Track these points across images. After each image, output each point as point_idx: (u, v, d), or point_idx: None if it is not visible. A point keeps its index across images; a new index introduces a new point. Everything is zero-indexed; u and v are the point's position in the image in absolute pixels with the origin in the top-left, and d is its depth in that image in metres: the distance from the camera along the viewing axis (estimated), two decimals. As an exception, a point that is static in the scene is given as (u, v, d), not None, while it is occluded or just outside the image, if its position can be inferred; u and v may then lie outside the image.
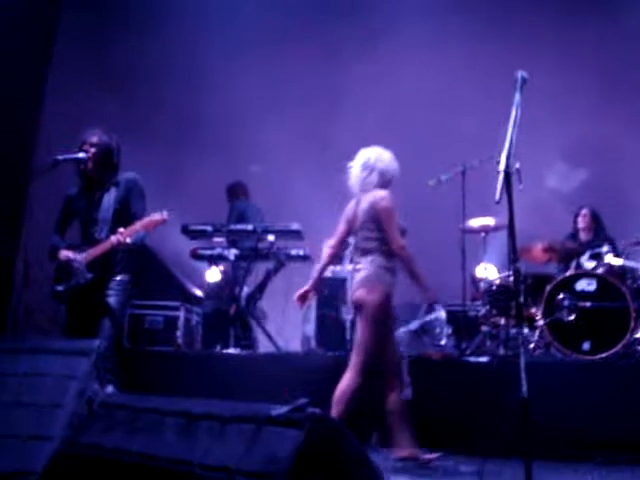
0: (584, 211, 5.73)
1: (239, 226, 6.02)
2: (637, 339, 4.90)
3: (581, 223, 5.79)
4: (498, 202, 2.47)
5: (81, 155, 3.96)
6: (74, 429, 2.12)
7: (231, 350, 5.57)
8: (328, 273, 5.87)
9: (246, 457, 1.64)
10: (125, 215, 3.92)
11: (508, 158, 2.54)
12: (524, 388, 2.41)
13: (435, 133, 7.11)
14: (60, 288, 3.91)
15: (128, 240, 3.75)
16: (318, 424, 1.66)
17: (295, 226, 5.87)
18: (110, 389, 2.23)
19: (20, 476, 2.08)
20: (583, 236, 5.82)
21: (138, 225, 3.76)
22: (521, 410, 2.41)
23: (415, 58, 7.53)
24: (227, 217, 6.65)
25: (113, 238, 3.76)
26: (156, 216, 3.79)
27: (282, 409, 1.71)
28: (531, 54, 6.72)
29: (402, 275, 6.69)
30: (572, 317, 4.59)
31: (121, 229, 3.76)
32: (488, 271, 6.07)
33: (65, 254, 3.92)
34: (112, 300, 3.82)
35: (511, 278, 4.64)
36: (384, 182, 3.87)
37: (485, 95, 6.12)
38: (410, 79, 7.40)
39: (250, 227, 5.92)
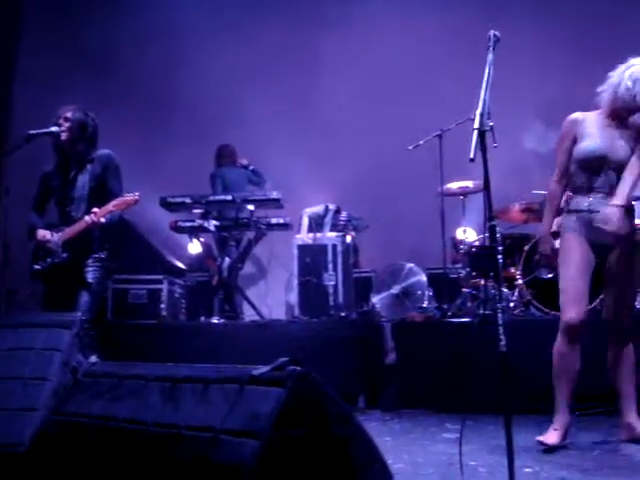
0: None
1: (218, 197, 6.00)
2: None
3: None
4: (472, 160, 2.48)
5: (54, 129, 3.92)
6: (60, 399, 2.14)
7: (215, 320, 5.60)
8: (308, 240, 5.91)
9: (230, 416, 1.67)
10: (101, 193, 3.91)
11: (482, 116, 2.55)
12: (502, 342, 2.45)
13: (412, 97, 7.09)
14: (38, 267, 3.92)
15: (102, 220, 3.77)
16: (300, 382, 1.70)
17: (274, 194, 5.87)
18: (94, 358, 2.24)
19: (9, 447, 2.11)
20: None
21: (111, 205, 3.78)
22: (500, 364, 2.45)
23: (390, 22, 7.48)
24: (210, 185, 6.56)
25: (87, 218, 3.76)
26: (129, 196, 3.82)
27: (264, 369, 1.75)
28: (506, 13, 6.71)
29: (381, 239, 6.80)
30: (550, 275, 4.65)
31: (95, 209, 3.77)
32: (467, 233, 6.13)
33: (42, 233, 3.91)
34: (89, 276, 3.83)
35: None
36: None
37: (461, 57, 6.10)
38: (386, 44, 7.37)
39: (229, 197, 5.91)
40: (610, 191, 3.22)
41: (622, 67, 3.25)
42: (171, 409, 1.79)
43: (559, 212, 3.44)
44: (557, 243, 3.40)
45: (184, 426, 1.71)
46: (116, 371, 2.08)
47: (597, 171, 3.24)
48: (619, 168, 3.22)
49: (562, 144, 3.37)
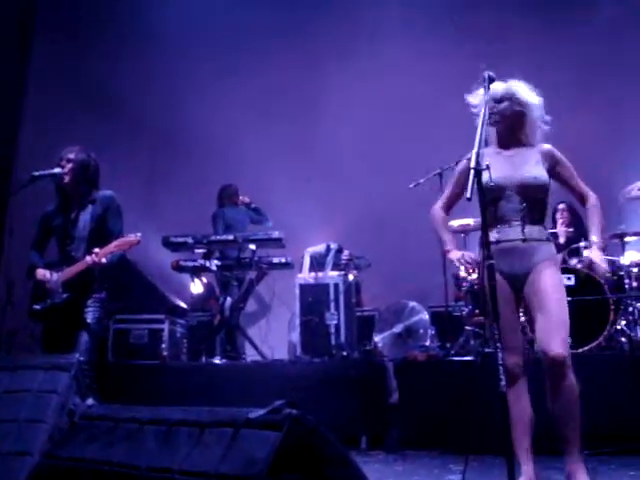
0: (562, 206, 5.76)
1: (219, 237, 6.02)
2: (618, 331, 4.96)
3: (559, 218, 5.83)
4: (469, 199, 2.50)
5: (57, 170, 3.96)
6: (55, 443, 2.11)
7: (217, 360, 5.57)
8: (310, 280, 5.90)
9: (225, 461, 1.64)
10: (102, 233, 3.93)
11: (478, 155, 2.57)
12: (502, 382, 2.43)
13: (413, 135, 7.15)
14: (37, 307, 3.91)
15: (103, 260, 3.77)
16: (295, 425, 1.67)
17: (276, 234, 5.89)
18: (90, 401, 2.22)
19: (1, 492, 2.07)
20: (562, 232, 5.87)
21: (112, 246, 3.80)
22: (500, 405, 2.42)
23: (392, 63, 7.58)
24: (212, 225, 6.57)
25: (88, 258, 3.77)
26: (130, 237, 3.84)
27: (259, 412, 1.73)
28: (506, 55, 6.80)
29: (383, 277, 6.78)
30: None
31: (96, 249, 3.77)
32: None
33: (42, 273, 3.92)
34: (89, 316, 3.82)
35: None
36: None
37: (461, 96, 6.16)
38: (386, 84, 7.46)
39: (231, 237, 5.93)
40: None
41: None
42: (165, 453, 1.77)
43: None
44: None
45: (178, 471, 1.69)
46: (112, 414, 2.06)
47: None
48: None
49: None
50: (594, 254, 3.10)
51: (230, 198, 6.67)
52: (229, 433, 1.71)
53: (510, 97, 3.08)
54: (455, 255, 3.18)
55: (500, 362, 2.48)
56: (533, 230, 3.01)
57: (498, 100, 3.09)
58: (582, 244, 5.27)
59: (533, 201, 3.04)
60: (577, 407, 2.86)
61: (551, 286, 2.95)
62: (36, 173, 4.00)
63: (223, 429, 1.73)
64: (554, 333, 2.85)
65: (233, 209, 6.61)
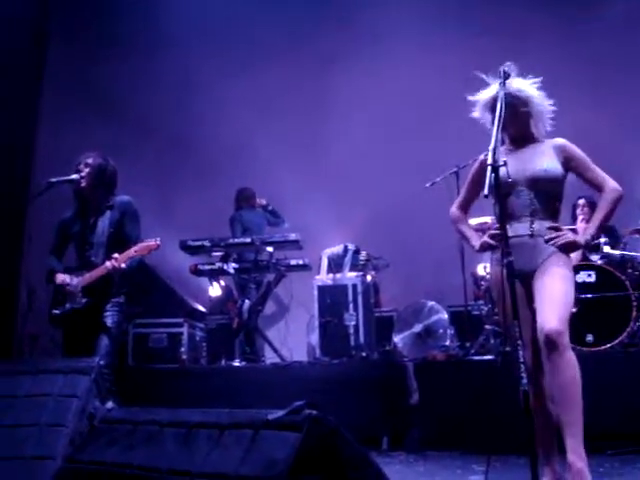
0: (582, 201, 5.68)
1: (237, 239, 6.03)
2: (640, 328, 4.90)
3: (580, 214, 5.75)
4: (487, 196, 2.48)
5: (74, 176, 3.99)
6: (76, 446, 2.12)
7: (236, 363, 5.57)
8: (328, 281, 5.89)
9: (245, 462, 1.64)
10: (120, 238, 3.95)
11: (495, 152, 2.55)
12: (524, 380, 2.41)
13: (428, 133, 7.11)
14: (57, 312, 3.93)
15: (123, 265, 3.80)
16: (315, 426, 1.67)
17: (293, 236, 5.88)
18: (110, 404, 2.23)
19: (24, 496, 2.09)
20: (582, 228, 5.79)
21: (132, 251, 3.82)
22: (522, 403, 2.40)
23: (402, 59, 7.54)
24: (230, 228, 6.57)
25: (108, 264, 3.80)
26: (150, 242, 3.86)
27: (279, 413, 1.72)
28: (520, 50, 6.74)
29: (402, 277, 6.75)
30: (574, 309, 4.58)
31: (116, 255, 3.80)
32: (488, 270, 6.06)
33: (61, 278, 3.94)
34: (108, 320, 3.84)
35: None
36: None
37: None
38: (398, 80, 7.42)
39: (248, 239, 5.94)
40: None
41: None
42: (185, 455, 1.77)
43: None
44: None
45: (197, 473, 1.69)
46: (132, 417, 2.07)
47: None
48: None
49: None
50: (572, 237, 2.94)
51: (247, 201, 6.69)
52: (249, 435, 1.71)
53: (512, 97, 2.97)
54: (480, 243, 3.06)
55: (521, 360, 2.46)
56: (542, 225, 2.94)
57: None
58: (602, 240, 5.21)
59: (545, 195, 2.97)
60: (575, 387, 2.72)
61: (556, 275, 2.85)
62: (53, 179, 4.04)
63: (242, 431, 1.73)
64: (550, 309, 2.75)
65: (250, 212, 6.63)
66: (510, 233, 2.86)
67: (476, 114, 3.10)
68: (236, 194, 6.76)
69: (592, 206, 5.70)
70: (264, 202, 6.70)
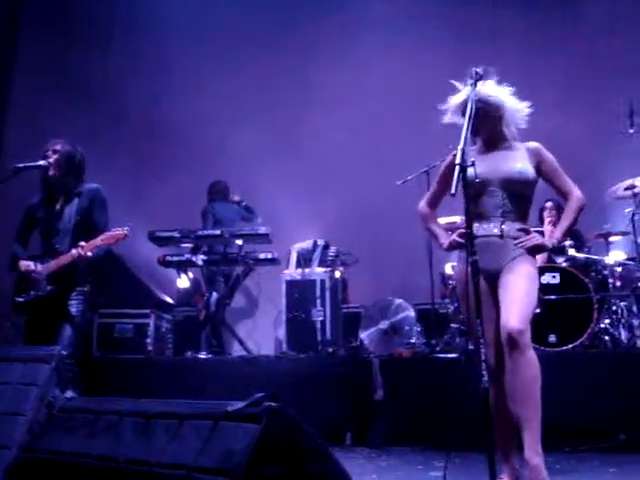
0: (549, 204, 5.75)
1: (206, 231, 6.00)
2: (601, 329, 4.99)
3: (547, 216, 5.83)
4: (453, 195, 2.50)
5: (42, 162, 3.93)
6: (34, 435, 2.10)
7: (202, 355, 5.55)
8: (297, 276, 5.89)
9: (203, 453, 1.64)
10: (87, 226, 3.91)
11: (463, 152, 2.58)
12: (485, 378, 2.44)
13: (401, 132, 7.15)
14: (20, 299, 3.88)
15: (89, 254, 3.76)
16: (275, 418, 1.67)
17: (263, 230, 5.88)
18: (70, 394, 2.20)
19: (-22, 485, 2.06)
20: (549, 230, 5.87)
21: (99, 240, 3.79)
22: (482, 400, 2.43)
23: (382, 57, 7.58)
24: (202, 220, 6.52)
25: (74, 251, 3.75)
26: (117, 231, 3.82)
27: (238, 404, 1.72)
28: (496, 53, 6.82)
29: (370, 274, 6.78)
30: (537, 310, 4.64)
31: (82, 243, 3.76)
32: (456, 268, 6.12)
33: (25, 264, 3.88)
34: (73, 309, 3.80)
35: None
36: None
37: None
38: (376, 78, 7.47)
39: (217, 232, 5.92)
40: None
41: None
42: (144, 445, 1.76)
43: None
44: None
45: (156, 463, 1.68)
46: (91, 406, 2.05)
47: None
48: None
49: None
50: (540, 240, 2.97)
51: (220, 194, 6.64)
52: (208, 425, 1.70)
53: (482, 103, 2.97)
54: (449, 242, 3.07)
55: (483, 358, 2.49)
56: (512, 227, 2.97)
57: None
58: (568, 242, 5.29)
59: (516, 197, 3.00)
60: (535, 386, 2.75)
61: (521, 274, 2.88)
62: (20, 165, 3.97)
63: (202, 422, 1.73)
64: (513, 308, 2.77)
65: (223, 205, 6.57)
66: (479, 232, 2.90)
67: (446, 119, 3.11)
68: (209, 186, 6.71)
69: (559, 209, 5.78)
70: (237, 198, 6.66)
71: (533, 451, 2.70)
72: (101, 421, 1.94)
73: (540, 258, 5.15)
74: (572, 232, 5.62)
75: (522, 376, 2.73)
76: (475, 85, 2.88)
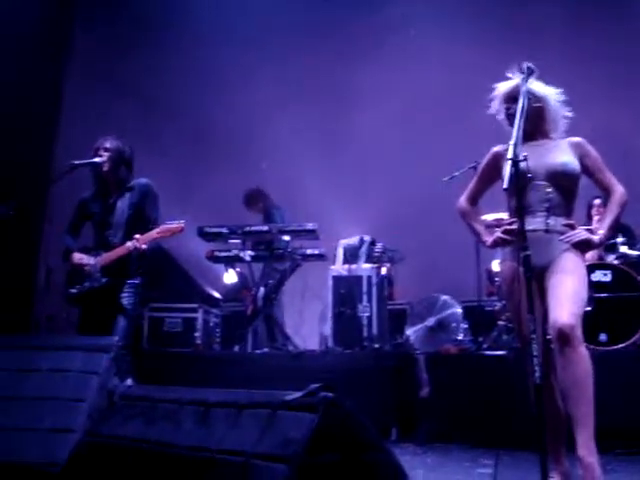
0: (597, 202, 5.66)
1: (254, 227, 6.06)
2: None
3: (595, 214, 5.73)
4: (506, 189, 2.49)
5: (97, 159, 4.04)
6: (95, 421, 2.17)
7: (249, 350, 5.62)
8: (343, 272, 5.91)
9: (262, 441, 1.68)
10: (138, 220, 4.00)
11: (516, 147, 2.57)
12: (537, 374, 2.42)
13: (447, 128, 7.10)
14: (73, 291, 3.97)
15: (144, 246, 3.84)
16: (331, 408, 1.70)
17: (310, 225, 5.89)
18: (129, 382, 2.28)
19: (44, 466, 2.14)
20: (597, 228, 5.77)
21: (155, 232, 3.86)
22: (535, 396, 2.41)
23: (423, 53, 7.53)
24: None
25: (129, 244, 3.83)
26: (173, 224, 3.88)
27: (296, 394, 1.76)
28: (541, 47, 6.71)
29: (416, 271, 6.76)
30: (588, 308, 4.58)
31: (137, 235, 3.84)
32: (503, 266, 6.06)
33: (78, 257, 3.98)
34: (125, 301, 3.88)
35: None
36: None
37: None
38: (419, 74, 7.42)
39: (265, 227, 5.98)
40: None
41: None
42: (204, 433, 1.81)
43: None
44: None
45: (216, 450, 1.72)
46: (151, 394, 2.11)
47: None
48: None
49: None
50: (587, 235, 2.92)
51: (255, 205, 6.66)
52: (266, 414, 1.74)
53: (531, 97, 2.95)
54: (493, 239, 3.03)
55: (535, 354, 2.47)
56: (558, 221, 2.93)
57: (513, 99, 2.98)
58: (619, 240, 5.20)
59: (561, 191, 2.95)
60: (588, 380, 2.68)
61: (569, 272, 2.82)
62: (76, 162, 4.08)
63: (260, 410, 1.77)
64: (563, 303, 2.72)
65: (271, 208, 6.61)
66: (525, 227, 2.85)
67: (494, 105, 3.09)
68: (243, 198, 6.69)
69: (607, 206, 5.69)
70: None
71: (587, 449, 2.65)
72: (161, 409, 1.99)
73: (591, 255, 5.09)
74: (623, 229, 5.53)
75: (574, 372, 2.66)
76: (527, 79, 2.86)
